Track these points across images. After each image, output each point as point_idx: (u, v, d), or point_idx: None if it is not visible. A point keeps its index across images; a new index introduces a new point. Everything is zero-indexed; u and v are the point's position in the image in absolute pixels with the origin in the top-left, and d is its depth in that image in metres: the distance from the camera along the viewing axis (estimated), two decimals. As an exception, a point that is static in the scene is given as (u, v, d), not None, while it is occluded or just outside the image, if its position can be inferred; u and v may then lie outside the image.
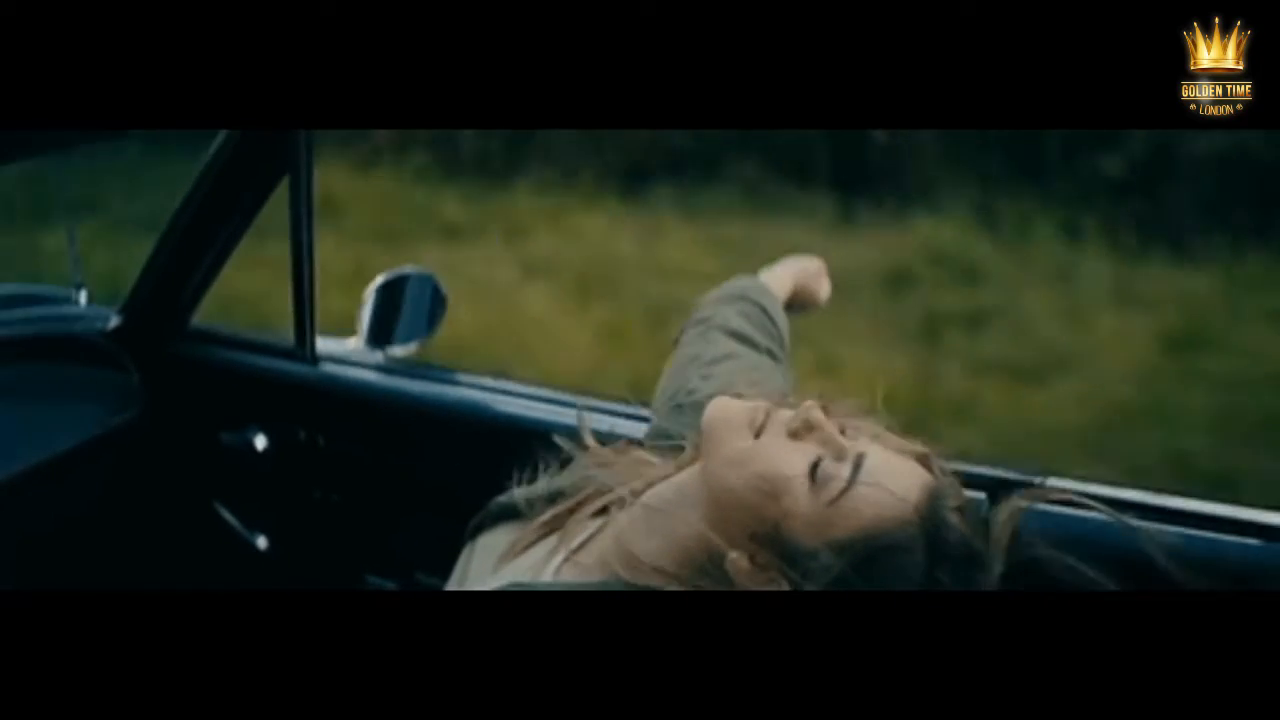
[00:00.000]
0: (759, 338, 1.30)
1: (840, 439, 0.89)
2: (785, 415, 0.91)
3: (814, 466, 0.87)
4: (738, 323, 1.31)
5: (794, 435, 0.90)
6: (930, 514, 0.86)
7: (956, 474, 0.91)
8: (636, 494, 0.99)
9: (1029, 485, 0.92)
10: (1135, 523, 1.07)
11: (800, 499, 0.86)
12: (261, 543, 1.77)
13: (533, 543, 1.03)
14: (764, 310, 1.35)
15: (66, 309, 1.90)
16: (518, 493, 1.09)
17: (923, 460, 0.91)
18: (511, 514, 1.08)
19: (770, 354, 1.29)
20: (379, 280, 1.73)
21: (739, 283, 1.41)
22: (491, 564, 1.03)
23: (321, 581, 1.74)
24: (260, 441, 1.72)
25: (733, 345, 1.27)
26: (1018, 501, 0.90)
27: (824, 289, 1.60)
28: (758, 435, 0.90)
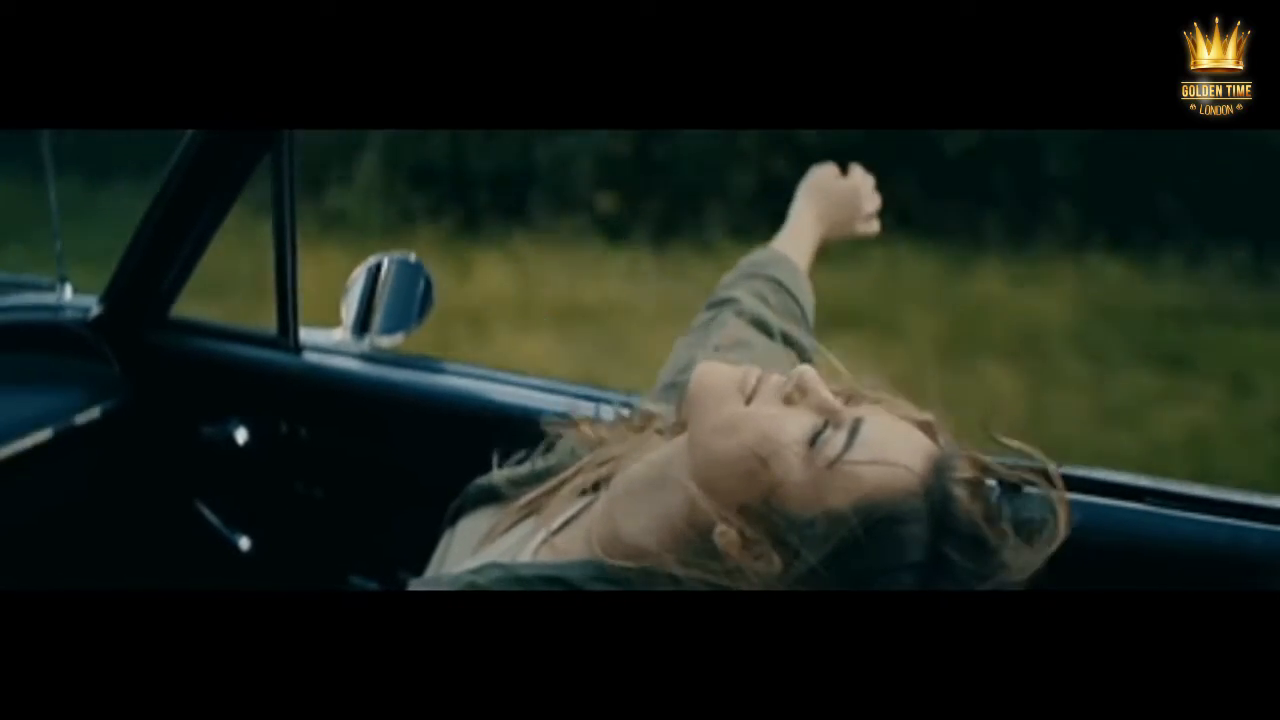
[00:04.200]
0: (773, 320, 1.24)
1: (837, 404, 0.84)
2: (778, 380, 0.86)
3: (809, 433, 0.82)
4: (750, 303, 1.25)
5: (787, 400, 0.85)
6: (935, 484, 0.81)
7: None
8: (619, 470, 0.94)
9: (1040, 472, 0.89)
10: (1150, 510, 1.07)
11: (794, 466, 0.81)
12: (242, 538, 1.74)
13: (513, 524, 0.99)
14: (780, 284, 1.29)
15: (46, 298, 1.87)
16: (499, 474, 1.05)
17: (926, 428, 0.86)
18: (492, 496, 1.04)
19: (785, 336, 1.23)
20: (366, 264, 1.68)
21: (755, 257, 1.35)
22: (471, 547, 1.00)
23: (303, 578, 1.70)
24: (242, 434, 1.69)
25: (744, 331, 1.22)
26: (1029, 488, 0.85)
27: (855, 208, 1.48)
28: (748, 401, 0.85)
